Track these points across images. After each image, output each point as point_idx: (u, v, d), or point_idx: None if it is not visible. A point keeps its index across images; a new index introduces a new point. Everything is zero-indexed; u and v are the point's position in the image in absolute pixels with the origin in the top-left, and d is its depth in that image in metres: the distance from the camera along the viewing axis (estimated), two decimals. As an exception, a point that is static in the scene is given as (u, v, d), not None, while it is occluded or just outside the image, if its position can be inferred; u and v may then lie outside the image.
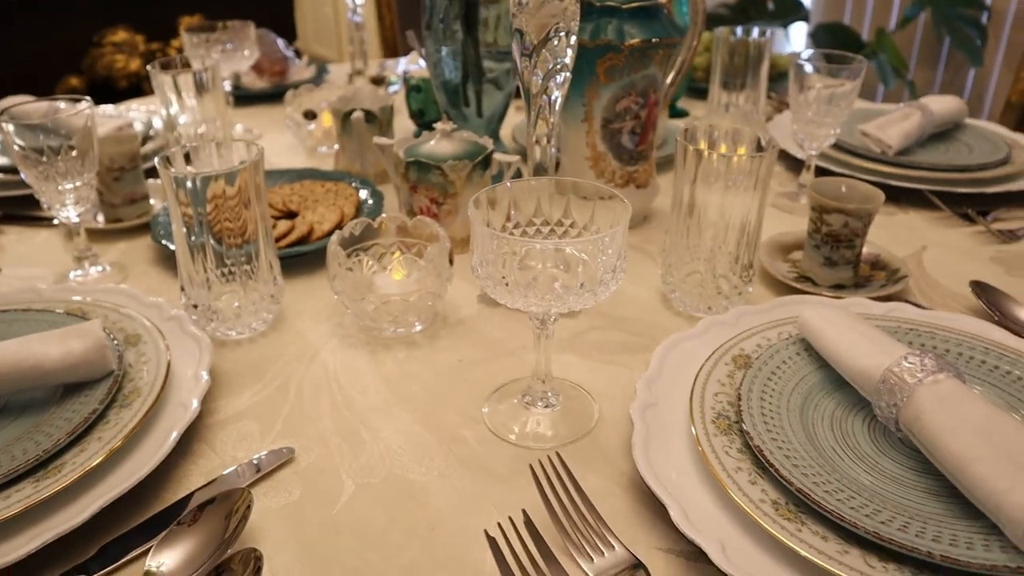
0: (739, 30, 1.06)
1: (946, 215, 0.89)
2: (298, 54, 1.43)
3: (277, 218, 0.82)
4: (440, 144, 0.79)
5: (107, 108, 1.18)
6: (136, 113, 1.14)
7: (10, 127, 0.68)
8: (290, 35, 1.94)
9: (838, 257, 0.72)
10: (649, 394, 0.54)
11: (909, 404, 0.48)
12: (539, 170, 0.66)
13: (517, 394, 0.58)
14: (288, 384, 0.60)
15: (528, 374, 0.60)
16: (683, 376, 0.57)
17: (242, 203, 0.62)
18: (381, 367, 0.62)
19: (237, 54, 1.10)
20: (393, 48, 1.81)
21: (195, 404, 0.53)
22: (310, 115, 1.05)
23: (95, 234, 0.84)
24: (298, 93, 1.09)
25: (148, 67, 0.89)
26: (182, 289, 0.65)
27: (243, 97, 1.28)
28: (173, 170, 0.61)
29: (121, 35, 1.67)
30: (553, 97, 0.63)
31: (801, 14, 2.51)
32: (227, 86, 1.13)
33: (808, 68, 0.88)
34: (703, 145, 0.67)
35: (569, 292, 0.48)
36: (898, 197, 0.92)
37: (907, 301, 0.70)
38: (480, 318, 0.69)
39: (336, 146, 1.06)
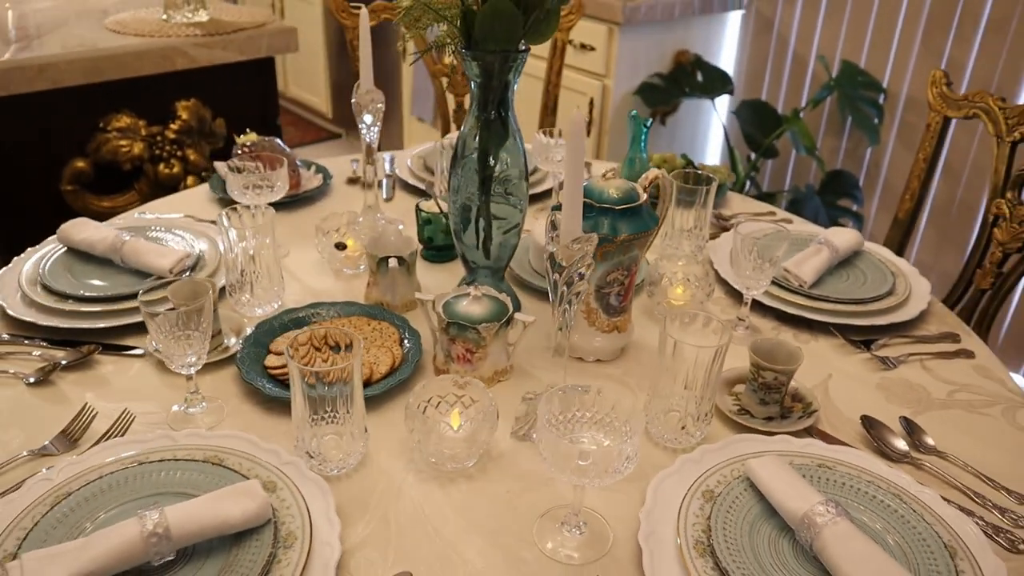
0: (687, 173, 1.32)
1: (843, 343, 1.18)
2: (307, 165, 1.63)
3: (333, 348, 1.04)
4: (472, 305, 1.02)
5: (146, 218, 1.35)
6: (176, 239, 1.30)
7: (156, 321, 0.88)
8: (273, 82, 2.11)
9: (769, 399, 0.98)
10: (648, 524, 0.80)
11: (818, 539, 0.75)
12: (559, 351, 0.91)
13: (556, 521, 0.83)
14: (388, 515, 0.83)
15: (559, 500, 0.84)
16: (669, 508, 0.82)
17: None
18: (451, 498, 0.85)
19: (270, 190, 1.29)
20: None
21: (337, 543, 0.75)
22: (341, 247, 1.26)
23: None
24: (324, 226, 1.29)
25: (222, 214, 1.09)
26: (296, 440, 0.86)
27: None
28: (294, 364, 0.82)
29: (124, 120, 1.82)
30: (572, 301, 0.87)
31: (728, 88, 2.83)
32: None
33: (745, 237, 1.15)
34: (678, 334, 0.92)
35: (605, 473, 0.73)
36: (811, 325, 1.21)
37: (818, 431, 0.97)
38: (515, 452, 0.92)
39: (362, 268, 1.28)
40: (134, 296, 1.13)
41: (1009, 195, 1.36)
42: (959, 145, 2.47)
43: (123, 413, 0.93)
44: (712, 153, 3.20)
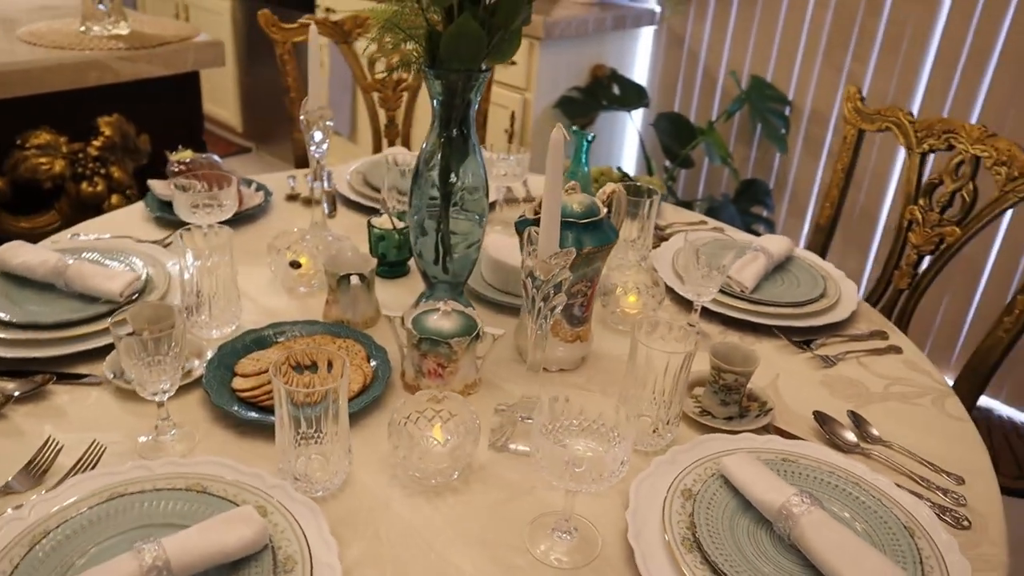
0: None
1: (786, 343, 1.25)
2: (247, 183, 1.60)
3: (305, 367, 1.03)
4: (441, 320, 1.04)
5: (87, 238, 1.29)
6: (119, 261, 1.26)
7: (123, 342, 0.85)
8: (198, 97, 2.06)
9: (730, 399, 1.04)
10: (635, 524, 0.83)
11: (796, 528, 0.80)
12: (534, 365, 0.94)
13: (545, 527, 0.85)
14: (379, 532, 0.83)
15: (544, 507, 0.87)
16: (652, 508, 0.86)
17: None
18: (440, 511, 0.86)
19: (219, 209, 1.27)
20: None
21: (338, 564, 0.75)
22: (296, 265, 1.25)
23: (138, 395, 0.99)
24: (277, 244, 1.28)
25: (178, 234, 1.07)
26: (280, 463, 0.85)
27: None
28: (282, 384, 0.82)
29: (43, 137, 1.73)
30: (548, 315, 0.90)
31: (644, 101, 2.93)
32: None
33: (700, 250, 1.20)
34: (647, 341, 0.96)
35: (600, 479, 0.76)
36: (755, 328, 1.28)
37: (775, 428, 1.03)
38: (495, 463, 0.94)
39: (316, 285, 1.27)
40: (86, 321, 1.09)
41: (921, 202, 1.47)
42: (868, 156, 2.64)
43: (92, 444, 0.90)
44: (628, 164, 3.31)
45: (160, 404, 0.91)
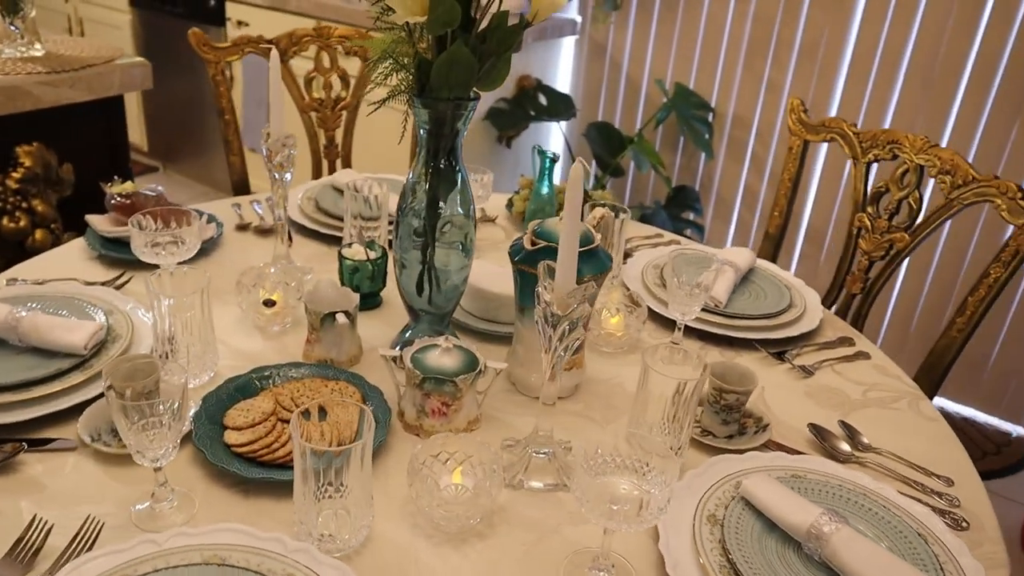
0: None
1: (764, 356, 1.28)
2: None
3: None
4: (443, 357, 1.01)
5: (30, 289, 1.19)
6: (72, 309, 1.17)
7: (118, 405, 0.79)
8: (123, 122, 1.94)
9: (730, 418, 1.05)
10: (671, 556, 0.83)
11: (827, 547, 0.82)
12: (547, 399, 0.92)
13: (581, 566, 0.84)
14: (413, 589, 0.80)
15: (574, 545, 0.86)
16: (682, 537, 0.86)
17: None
18: (469, 559, 0.84)
19: (182, 247, 1.19)
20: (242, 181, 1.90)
21: (383, 630, 0.71)
22: (270, 303, 1.19)
23: (122, 459, 0.92)
24: (246, 281, 1.21)
25: (150, 279, 1.00)
26: (299, 522, 0.81)
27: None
28: (306, 445, 0.78)
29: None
30: (563, 350, 0.89)
31: (572, 111, 2.96)
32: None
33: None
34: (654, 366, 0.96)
35: (640, 519, 0.75)
36: (732, 343, 1.30)
37: (775, 443, 1.06)
38: (514, 502, 0.92)
39: (288, 323, 1.22)
40: (48, 380, 1.00)
41: (869, 209, 1.54)
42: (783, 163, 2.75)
43: (88, 521, 0.82)
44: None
45: (157, 469, 0.85)
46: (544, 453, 0.97)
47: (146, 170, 3.98)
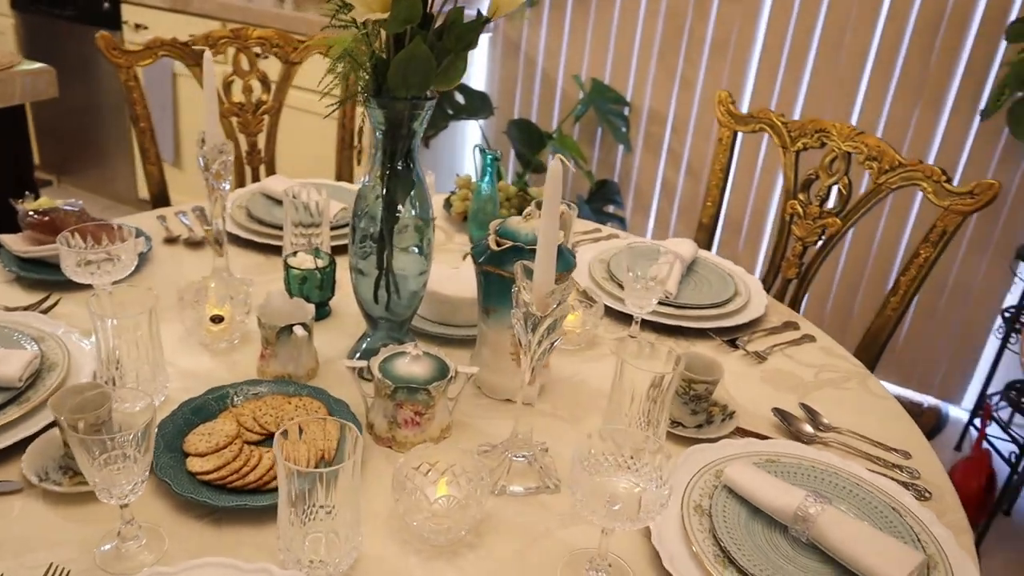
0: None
1: (719, 343, 1.31)
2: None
3: (263, 438, 0.93)
4: (413, 365, 0.98)
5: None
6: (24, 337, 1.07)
7: (78, 437, 0.72)
8: (26, 133, 1.81)
9: (699, 408, 1.07)
10: (665, 549, 0.83)
11: (814, 528, 0.84)
12: (527, 399, 0.91)
13: (580, 567, 0.82)
14: (412, 609, 0.77)
15: (567, 548, 0.85)
16: (672, 530, 0.86)
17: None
18: (465, 572, 0.81)
19: (117, 265, 1.11)
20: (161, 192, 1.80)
21: (390, 654, 0.68)
22: (218, 319, 1.13)
23: (75, 498, 0.86)
24: (189, 296, 1.15)
25: (91, 301, 0.93)
26: (281, 549, 0.76)
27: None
28: (293, 468, 0.73)
29: None
30: (546, 351, 0.88)
31: (489, 109, 2.94)
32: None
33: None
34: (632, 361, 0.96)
35: (637, 517, 0.75)
36: (685, 333, 1.32)
37: (742, 430, 1.07)
38: (500, 509, 0.90)
39: (235, 338, 1.16)
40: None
41: (801, 196, 1.59)
42: (704, 152, 2.82)
43: (51, 570, 0.75)
44: (474, 171, 3.31)
45: (124, 506, 0.78)
46: (523, 456, 0.96)
47: (39, 184, 3.72)
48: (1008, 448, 2.24)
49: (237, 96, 1.84)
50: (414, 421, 0.97)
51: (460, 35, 0.94)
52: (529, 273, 0.86)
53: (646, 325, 1.32)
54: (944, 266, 2.51)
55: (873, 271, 2.60)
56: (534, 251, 1.00)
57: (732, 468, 0.92)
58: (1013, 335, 2.20)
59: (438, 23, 0.95)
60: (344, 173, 2.00)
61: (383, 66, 0.94)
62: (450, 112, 2.90)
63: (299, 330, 1.05)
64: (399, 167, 1.03)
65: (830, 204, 1.56)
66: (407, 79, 0.95)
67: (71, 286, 1.23)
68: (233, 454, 0.90)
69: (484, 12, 0.94)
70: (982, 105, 2.31)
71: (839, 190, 1.53)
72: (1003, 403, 2.26)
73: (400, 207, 1.04)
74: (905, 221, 2.54)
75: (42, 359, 1.03)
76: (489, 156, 1.47)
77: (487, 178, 1.50)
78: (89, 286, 1.19)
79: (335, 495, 0.76)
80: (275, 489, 0.86)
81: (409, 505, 0.82)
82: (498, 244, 1.02)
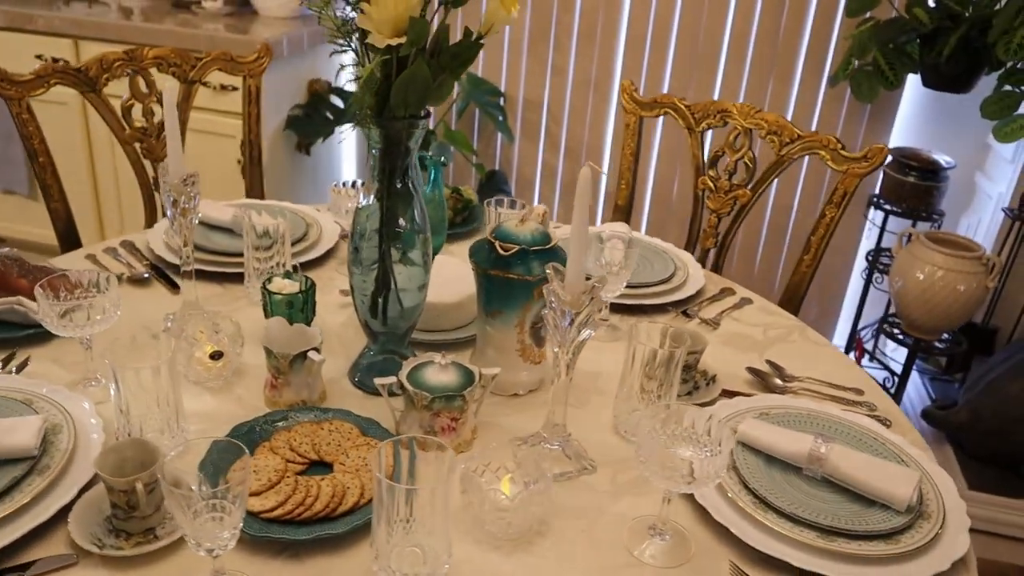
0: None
1: (676, 315, 1.43)
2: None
3: (306, 467, 0.95)
4: (442, 374, 1.02)
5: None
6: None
7: (178, 493, 0.72)
8: None
9: (688, 376, 1.18)
10: (707, 502, 0.93)
11: (827, 465, 0.97)
12: (560, 390, 0.98)
13: (642, 532, 0.91)
14: (512, 599, 0.82)
15: (621, 518, 0.93)
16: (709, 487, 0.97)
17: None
18: (546, 559, 0.88)
19: (100, 316, 1.06)
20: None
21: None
22: (217, 355, 1.11)
23: (138, 560, 0.84)
24: (176, 342, 1.12)
25: (109, 359, 0.90)
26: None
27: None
28: (398, 487, 0.76)
29: None
30: (580, 348, 0.95)
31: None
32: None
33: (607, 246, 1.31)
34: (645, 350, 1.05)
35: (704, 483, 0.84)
36: (644, 310, 1.43)
37: (727, 391, 1.20)
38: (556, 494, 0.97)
39: (229, 373, 1.14)
40: (8, 491, 0.87)
41: (711, 172, 1.75)
42: (580, 135, 2.96)
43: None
44: (364, 175, 3.29)
45: (216, 556, 0.78)
46: (556, 444, 1.03)
47: None
48: (881, 375, 2.55)
49: (139, 120, 1.75)
50: (451, 427, 1.02)
51: (458, 54, 0.99)
52: (561, 275, 0.92)
53: (611, 307, 1.42)
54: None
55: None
56: (538, 253, 1.08)
57: (744, 425, 1.04)
58: (877, 275, 2.51)
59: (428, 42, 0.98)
60: (255, 190, 1.95)
61: (384, 88, 0.97)
62: (331, 117, 2.86)
63: (315, 355, 1.06)
64: (398, 185, 1.05)
65: (737, 177, 1.72)
66: (407, 99, 0.98)
67: (33, 341, 1.16)
68: (291, 487, 0.91)
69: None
70: (827, 73, 2.59)
71: (745, 163, 1.69)
72: (869, 337, 2.57)
73: (403, 221, 1.07)
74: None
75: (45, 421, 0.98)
76: (435, 163, 1.51)
77: (437, 183, 1.53)
78: (57, 338, 1.14)
79: (429, 508, 0.80)
80: (343, 515, 0.89)
81: (486, 506, 0.87)
82: (505, 249, 1.07)
